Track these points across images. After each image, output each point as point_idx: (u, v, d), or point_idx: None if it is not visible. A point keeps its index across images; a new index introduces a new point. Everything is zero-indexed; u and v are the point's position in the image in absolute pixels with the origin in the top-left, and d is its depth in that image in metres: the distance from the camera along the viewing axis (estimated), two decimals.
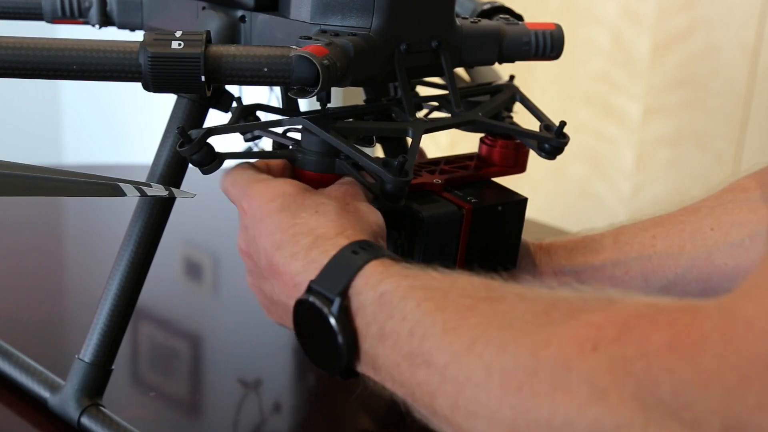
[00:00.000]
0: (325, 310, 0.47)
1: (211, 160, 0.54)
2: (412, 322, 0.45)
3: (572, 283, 0.48)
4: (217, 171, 0.56)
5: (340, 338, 0.47)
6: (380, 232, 0.54)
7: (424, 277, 0.47)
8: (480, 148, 0.65)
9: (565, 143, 0.61)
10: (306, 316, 0.49)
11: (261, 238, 0.53)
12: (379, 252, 0.49)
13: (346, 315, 0.48)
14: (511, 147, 0.64)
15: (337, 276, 0.48)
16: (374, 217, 0.54)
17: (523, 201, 0.62)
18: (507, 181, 0.65)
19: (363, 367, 0.49)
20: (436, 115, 0.67)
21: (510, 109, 0.68)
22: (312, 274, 0.49)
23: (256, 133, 0.62)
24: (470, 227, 0.59)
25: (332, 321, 0.47)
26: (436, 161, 0.65)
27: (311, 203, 0.53)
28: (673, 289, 0.64)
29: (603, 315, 0.39)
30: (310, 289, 0.49)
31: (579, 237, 0.69)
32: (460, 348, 0.42)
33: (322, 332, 0.48)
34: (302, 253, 0.51)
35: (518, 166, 0.65)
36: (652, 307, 0.39)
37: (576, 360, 0.38)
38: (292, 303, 0.50)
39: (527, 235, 0.66)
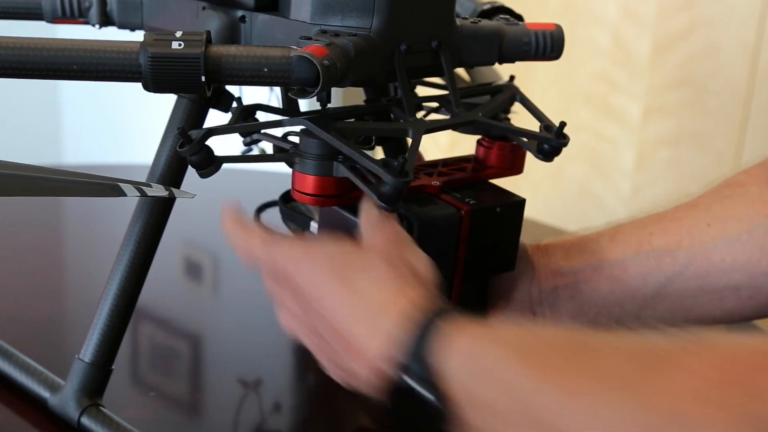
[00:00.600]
0: (414, 383, 0.48)
1: (209, 163, 0.54)
2: (506, 383, 0.45)
3: (657, 325, 0.48)
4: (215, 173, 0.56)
5: (431, 406, 0.48)
6: (432, 278, 0.54)
7: (504, 332, 0.48)
8: (477, 150, 0.65)
9: (565, 144, 0.61)
10: (395, 391, 0.49)
11: (322, 312, 0.53)
12: (447, 310, 0.49)
13: (434, 382, 0.48)
14: (508, 149, 0.64)
15: (417, 347, 0.48)
16: (423, 263, 0.54)
17: (521, 202, 0.62)
18: (506, 181, 0.65)
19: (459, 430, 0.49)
20: (436, 114, 0.67)
21: (507, 111, 0.68)
22: (388, 348, 0.49)
23: (255, 136, 0.62)
24: (469, 229, 0.59)
25: (423, 392, 0.48)
26: (434, 164, 0.65)
27: (361, 267, 0.53)
28: (672, 286, 0.64)
29: (704, 362, 0.39)
30: (392, 362, 0.49)
31: (576, 237, 0.69)
32: (561, 404, 0.42)
33: (413, 404, 0.48)
34: (371, 327, 0.51)
35: (515, 167, 0.65)
36: (750, 351, 0.39)
37: (690, 411, 0.38)
38: (365, 373, 0.50)
39: (527, 236, 0.66)
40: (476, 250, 0.60)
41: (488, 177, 0.64)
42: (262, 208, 0.79)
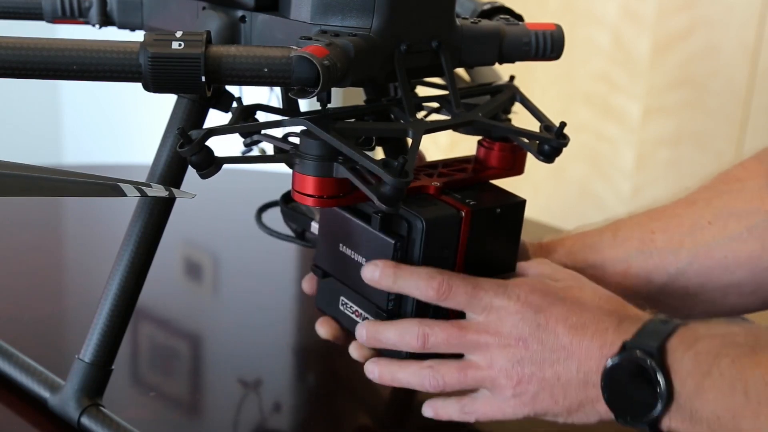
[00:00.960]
0: (648, 361, 0.51)
1: (209, 164, 0.54)
2: (731, 378, 0.48)
3: None
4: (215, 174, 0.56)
5: (660, 388, 0.50)
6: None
7: (730, 335, 0.50)
8: (478, 150, 0.65)
9: (565, 144, 0.61)
10: (622, 373, 0.52)
11: (551, 325, 0.55)
12: (675, 320, 0.53)
13: (664, 368, 0.50)
14: (508, 149, 0.64)
15: (652, 337, 0.52)
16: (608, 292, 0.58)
17: (521, 203, 0.62)
18: (506, 181, 0.65)
19: (673, 421, 0.51)
20: (436, 114, 0.67)
21: (508, 111, 0.68)
22: (622, 338, 0.53)
23: (255, 137, 0.62)
24: (469, 230, 0.59)
25: (655, 372, 0.50)
26: (434, 164, 0.65)
27: (576, 286, 0.58)
28: (675, 284, 0.65)
29: None
30: (624, 348, 0.52)
31: (577, 235, 0.69)
32: None
33: (640, 385, 0.51)
34: (611, 328, 0.54)
35: (516, 168, 0.65)
36: None
37: None
38: (592, 372, 0.53)
39: (527, 236, 0.66)
40: (476, 252, 0.60)
41: (489, 178, 0.64)
42: (263, 209, 0.79)
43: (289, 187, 0.72)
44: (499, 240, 0.61)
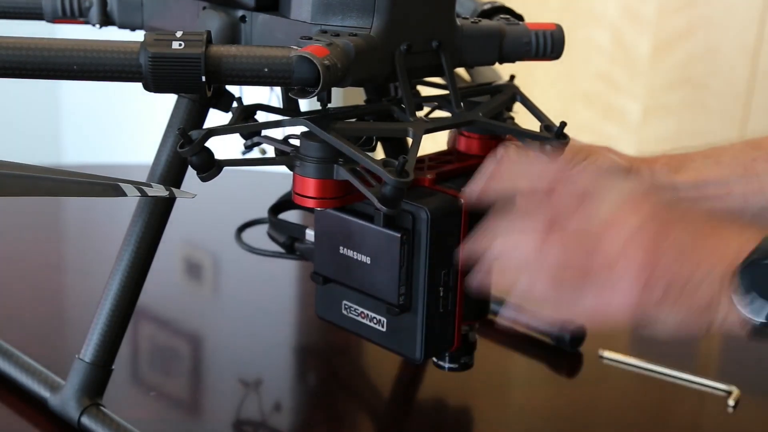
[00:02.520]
0: None
1: (210, 165, 0.54)
2: None
3: None
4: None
5: None
6: None
7: None
8: (457, 142, 0.66)
9: (566, 144, 0.61)
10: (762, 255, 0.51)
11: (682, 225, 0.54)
12: None
13: None
14: (489, 137, 0.64)
15: None
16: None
17: None
18: None
19: None
20: (436, 113, 0.67)
21: (510, 109, 0.68)
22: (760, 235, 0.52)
23: (255, 139, 0.61)
24: (469, 217, 0.59)
25: None
26: (420, 159, 0.65)
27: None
28: None
29: None
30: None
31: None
32: None
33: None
34: (740, 232, 0.53)
35: None
36: None
37: None
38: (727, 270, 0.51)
39: None
40: None
41: (475, 167, 0.64)
42: (242, 228, 0.77)
43: (275, 200, 0.72)
44: None
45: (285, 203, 0.73)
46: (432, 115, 0.67)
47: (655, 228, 0.53)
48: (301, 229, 0.68)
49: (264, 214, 0.73)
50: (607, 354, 0.78)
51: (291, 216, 0.71)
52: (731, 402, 0.72)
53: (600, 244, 0.53)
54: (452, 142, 0.67)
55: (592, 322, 0.57)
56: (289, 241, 0.70)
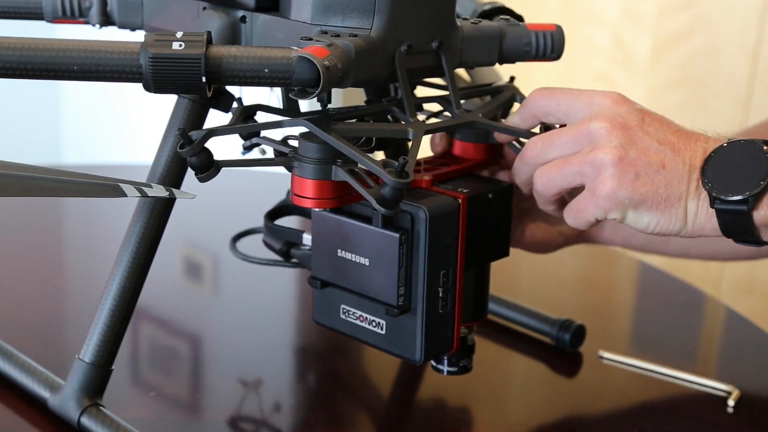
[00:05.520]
0: (757, 143, 0.55)
1: (209, 166, 0.54)
2: None
3: None
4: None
5: None
6: None
7: None
8: (453, 145, 0.66)
9: None
10: (726, 154, 0.56)
11: (656, 124, 0.59)
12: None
13: None
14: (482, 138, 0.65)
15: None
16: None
17: (509, 187, 0.63)
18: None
19: None
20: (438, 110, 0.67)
21: (509, 111, 0.68)
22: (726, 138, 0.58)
23: (255, 140, 0.61)
24: (467, 217, 0.59)
25: (764, 151, 0.55)
26: (416, 162, 0.65)
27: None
28: None
29: None
30: (728, 142, 0.57)
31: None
32: None
33: (745, 164, 0.55)
34: (713, 137, 0.59)
35: (495, 157, 0.66)
36: None
37: None
38: (696, 166, 0.57)
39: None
40: (474, 238, 0.60)
41: (470, 168, 0.65)
42: (237, 238, 0.77)
43: (272, 205, 0.72)
44: (493, 225, 0.62)
45: (281, 209, 0.73)
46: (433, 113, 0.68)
47: (631, 121, 0.58)
48: (298, 233, 0.68)
49: (263, 214, 0.73)
50: (607, 354, 0.79)
51: (287, 223, 0.71)
52: (731, 402, 0.72)
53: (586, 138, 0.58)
54: (442, 145, 0.67)
55: (575, 220, 0.59)
56: (285, 248, 0.69)
